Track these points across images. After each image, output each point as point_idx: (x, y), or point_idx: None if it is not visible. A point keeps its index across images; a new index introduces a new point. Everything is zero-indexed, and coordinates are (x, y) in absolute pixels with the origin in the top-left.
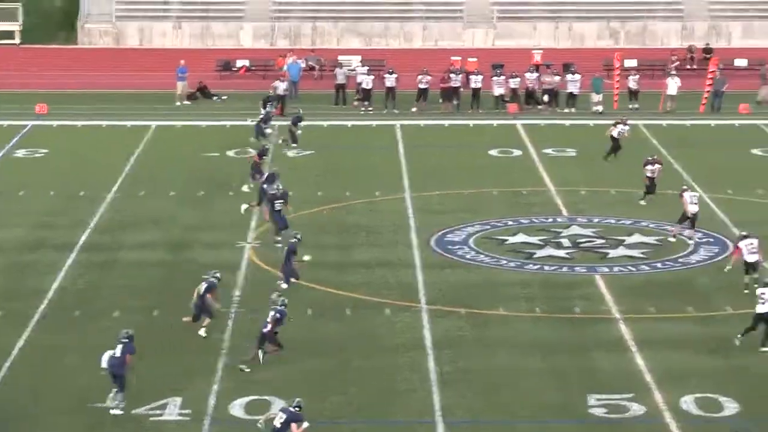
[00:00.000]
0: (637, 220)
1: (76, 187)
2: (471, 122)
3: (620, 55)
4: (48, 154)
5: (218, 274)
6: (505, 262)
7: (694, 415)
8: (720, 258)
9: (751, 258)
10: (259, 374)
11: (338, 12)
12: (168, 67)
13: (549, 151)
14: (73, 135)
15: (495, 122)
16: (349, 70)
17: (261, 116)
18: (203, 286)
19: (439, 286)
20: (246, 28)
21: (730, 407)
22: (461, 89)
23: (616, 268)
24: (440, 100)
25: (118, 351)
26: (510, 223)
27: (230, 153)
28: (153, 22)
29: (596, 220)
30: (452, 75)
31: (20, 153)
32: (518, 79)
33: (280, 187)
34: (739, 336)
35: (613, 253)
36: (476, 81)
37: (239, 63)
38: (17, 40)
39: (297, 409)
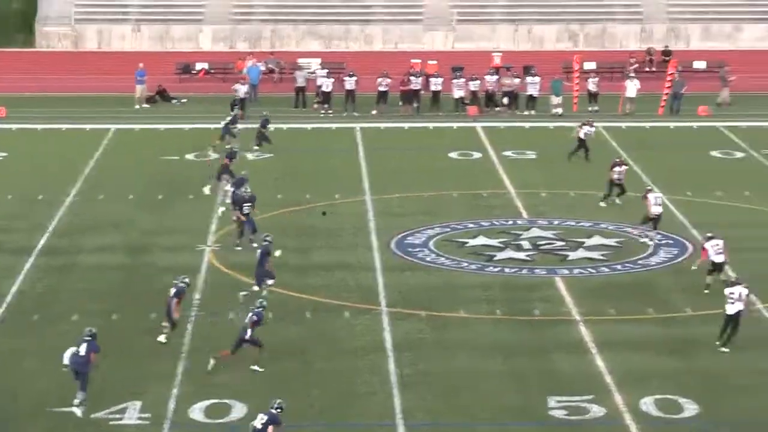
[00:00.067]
0: (597, 222)
1: (35, 190)
2: (431, 125)
3: (579, 58)
4: (6, 158)
5: (187, 279)
6: (465, 264)
7: (654, 416)
8: (680, 260)
9: (718, 258)
10: (219, 378)
11: (298, 15)
12: (127, 70)
13: (509, 153)
14: (31, 138)
15: (455, 125)
16: (309, 72)
17: (229, 118)
18: (172, 291)
19: (399, 289)
20: (205, 31)
21: (690, 409)
22: (421, 92)
23: (576, 270)
24: (400, 103)
25: (82, 349)
26: (470, 225)
27: (189, 156)
28: (112, 25)
29: (556, 222)
30: (412, 78)
31: None
32: (478, 82)
33: (248, 190)
34: (717, 344)
35: (573, 255)
36: (436, 84)
37: (198, 66)
38: None
39: (278, 410)
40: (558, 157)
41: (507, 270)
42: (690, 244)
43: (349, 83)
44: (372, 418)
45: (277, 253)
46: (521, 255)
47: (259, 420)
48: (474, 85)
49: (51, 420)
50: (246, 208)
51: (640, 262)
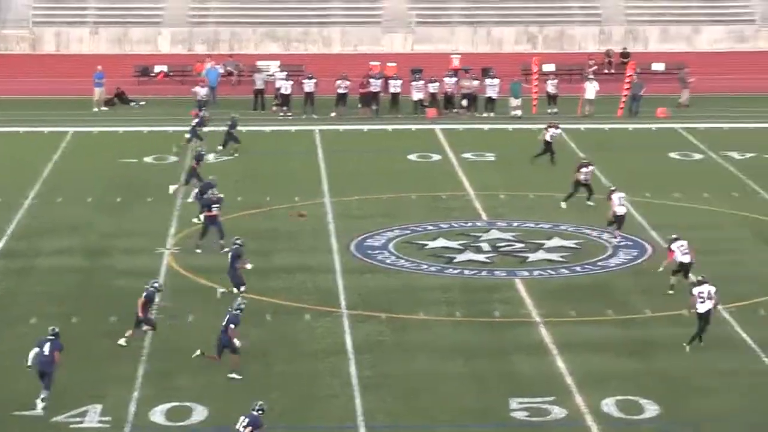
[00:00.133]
0: (557, 223)
1: None
2: (390, 127)
3: (538, 60)
4: None
5: (157, 284)
6: (425, 266)
7: (615, 417)
8: (639, 261)
9: (685, 259)
10: (179, 381)
11: (256, 17)
12: (85, 72)
13: (468, 155)
14: None
15: (414, 127)
16: (267, 75)
17: (197, 120)
18: (143, 295)
19: (359, 291)
20: (164, 33)
21: (651, 409)
22: (380, 94)
23: (535, 272)
24: (359, 105)
25: (46, 349)
26: (430, 227)
27: (148, 159)
28: (70, 27)
29: (516, 224)
30: (371, 80)
31: None
32: (437, 84)
33: (215, 192)
34: (699, 344)
35: (532, 256)
36: (395, 86)
37: (157, 68)
38: None
39: (260, 412)
40: (517, 159)
41: (467, 272)
42: (649, 246)
43: (308, 86)
44: (333, 420)
45: (248, 266)
46: (481, 257)
47: (241, 423)
48: (433, 87)
49: (9, 424)
50: (215, 210)
51: (599, 263)
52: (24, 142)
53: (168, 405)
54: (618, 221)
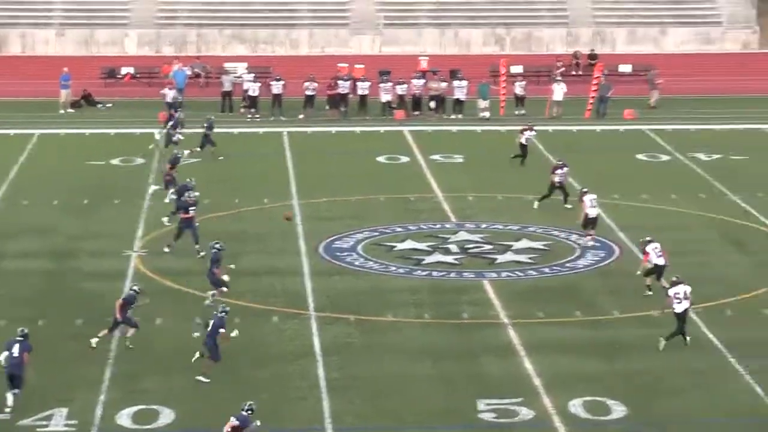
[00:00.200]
0: (525, 225)
1: None
2: (358, 129)
3: (506, 62)
4: None
5: (136, 287)
6: (393, 268)
7: (582, 418)
8: (607, 262)
9: (660, 261)
10: (146, 384)
11: (224, 19)
12: (51, 74)
13: (436, 157)
14: None
15: (382, 129)
16: (235, 77)
17: (170, 123)
18: (121, 297)
19: (327, 293)
20: (131, 35)
21: (618, 410)
22: (349, 96)
23: (504, 274)
24: (327, 107)
25: (15, 350)
26: (398, 229)
27: (115, 161)
28: (35, 29)
29: (484, 225)
30: (339, 82)
31: None
32: (405, 86)
33: (192, 195)
34: (685, 344)
35: (501, 258)
36: (363, 88)
37: (124, 70)
38: None
39: (249, 412)
40: (485, 161)
41: (435, 273)
42: (617, 247)
43: (276, 87)
44: (301, 423)
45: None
46: (449, 258)
47: (229, 424)
48: (401, 89)
49: None
50: (191, 212)
51: (567, 265)
52: None
53: (135, 408)
54: (590, 223)
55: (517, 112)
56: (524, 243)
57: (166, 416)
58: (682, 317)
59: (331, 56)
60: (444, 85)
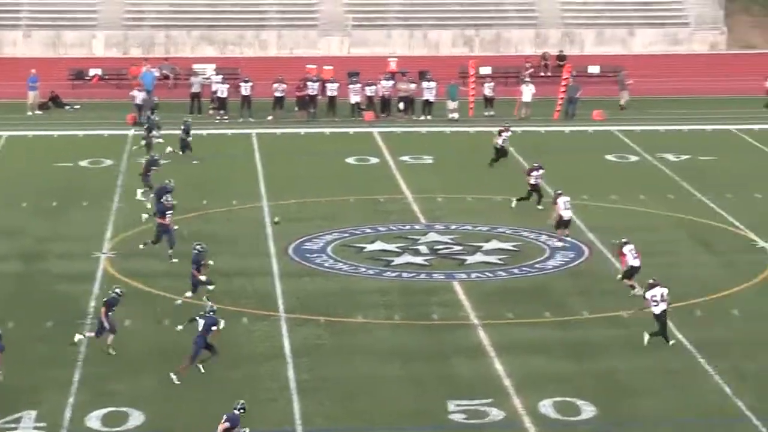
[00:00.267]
0: (494, 226)
1: None
2: (327, 130)
3: (475, 63)
4: None
5: (118, 290)
6: (363, 269)
7: (553, 419)
8: (576, 263)
9: (635, 262)
10: (115, 385)
11: (192, 20)
12: (19, 76)
13: (406, 158)
14: None
15: (351, 130)
16: (203, 78)
17: (146, 125)
18: (104, 301)
19: (297, 295)
20: (98, 36)
21: (588, 411)
22: (317, 97)
23: (473, 275)
24: (296, 108)
25: None
26: (368, 230)
27: (83, 163)
28: (2, 30)
29: (453, 227)
30: (308, 83)
31: None
32: (374, 87)
33: (170, 198)
34: (668, 344)
35: (470, 259)
36: (332, 89)
37: (92, 72)
38: None
39: (241, 411)
40: (455, 162)
41: (405, 275)
42: (586, 248)
43: (245, 89)
44: (271, 424)
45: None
46: (419, 260)
47: (221, 425)
48: (370, 91)
49: None
50: (168, 217)
51: (537, 265)
52: None
53: (104, 410)
54: (564, 225)
55: (486, 114)
56: (494, 244)
57: (136, 418)
58: (661, 318)
59: (299, 57)
60: (413, 86)
